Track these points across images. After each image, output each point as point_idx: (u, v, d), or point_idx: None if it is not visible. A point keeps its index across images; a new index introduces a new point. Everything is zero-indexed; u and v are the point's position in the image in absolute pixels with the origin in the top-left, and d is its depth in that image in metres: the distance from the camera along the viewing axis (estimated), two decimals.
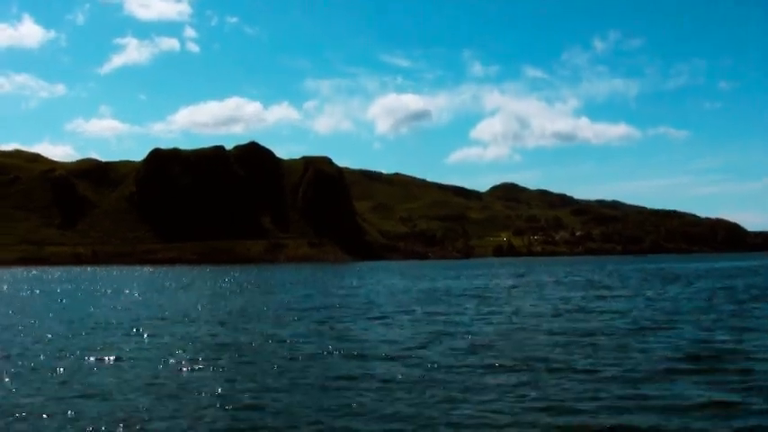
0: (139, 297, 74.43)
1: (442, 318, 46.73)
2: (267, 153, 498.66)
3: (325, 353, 31.80)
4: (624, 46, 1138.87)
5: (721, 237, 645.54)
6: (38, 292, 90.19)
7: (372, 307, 56.11)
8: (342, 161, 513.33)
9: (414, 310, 52.50)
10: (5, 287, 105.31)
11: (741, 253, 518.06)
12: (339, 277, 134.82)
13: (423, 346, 33.40)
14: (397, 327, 41.91)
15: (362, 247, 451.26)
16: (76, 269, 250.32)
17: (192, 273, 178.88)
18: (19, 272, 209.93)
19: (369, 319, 46.78)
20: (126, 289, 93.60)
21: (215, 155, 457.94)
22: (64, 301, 69.37)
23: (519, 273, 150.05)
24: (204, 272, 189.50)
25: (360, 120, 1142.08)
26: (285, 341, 35.71)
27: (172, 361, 30.28)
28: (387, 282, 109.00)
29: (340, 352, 31.84)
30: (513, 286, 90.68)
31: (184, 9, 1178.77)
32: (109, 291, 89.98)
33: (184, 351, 32.99)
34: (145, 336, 38.60)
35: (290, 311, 52.75)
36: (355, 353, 31.56)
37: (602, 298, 64.35)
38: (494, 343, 34.35)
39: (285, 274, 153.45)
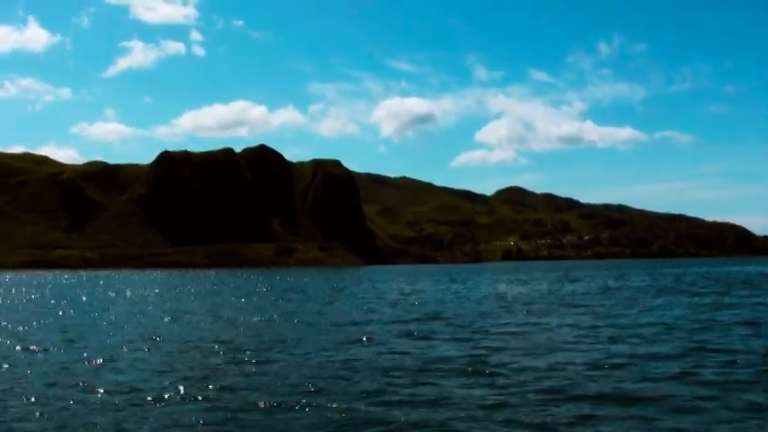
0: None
1: (623, 331, 38.17)
2: (276, 156, 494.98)
3: None
4: (628, 50, 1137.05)
5: (730, 240, 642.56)
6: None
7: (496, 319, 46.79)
8: (347, 165, 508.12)
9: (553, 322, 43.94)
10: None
11: (752, 257, 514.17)
12: (374, 282, 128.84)
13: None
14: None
15: (372, 251, 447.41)
16: (91, 273, 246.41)
17: (219, 277, 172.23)
18: (42, 276, 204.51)
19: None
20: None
21: (224, 158, 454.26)
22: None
23: (565, 277, 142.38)
24: (230, 276, 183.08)
25: (365, 123, 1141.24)
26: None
27: None
28: (432, 288, 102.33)
29: None
30: (587, 292, 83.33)
31: (190, 12, 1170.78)
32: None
33: None
34: None
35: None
36: None
37: (726, 306, 55.23)
38: None
39: (315, 279, 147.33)
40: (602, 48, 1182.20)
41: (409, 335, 37.00)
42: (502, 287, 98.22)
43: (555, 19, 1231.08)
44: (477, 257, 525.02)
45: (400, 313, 51.69)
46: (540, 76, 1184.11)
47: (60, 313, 55.15)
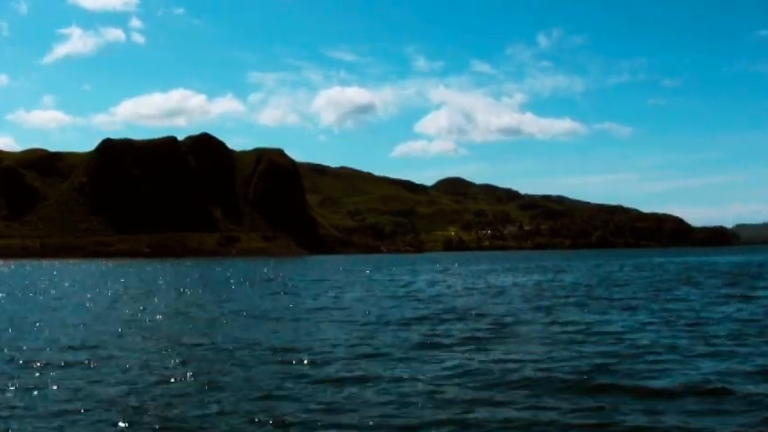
0: None
1: None
2: (219, 144, 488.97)
3: None
4: (567, 42, 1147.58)
5: (667, 232, 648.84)
6: None
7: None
8: (287, 154, 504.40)
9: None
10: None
11: (689, 248, 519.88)
12: (348, 272, 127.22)
13: None
14: None
15: (316, 241, 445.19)
16: (36, 263, 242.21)
17: (179, 268, 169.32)
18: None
19: None
20: None
21: (167, 146, 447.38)
22: None
23: (540, 267, 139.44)
24: (191, 267, 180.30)
25: (305, 113, 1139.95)
26: None
27: None
28: (417, 279, 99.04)
29: None
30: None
31: None
32: None
33: None
34: None
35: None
36: None
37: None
38: None
39: (282, 269, 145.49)
40: (542, 40, 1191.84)
41: (473, 338, 32.62)
42: (492, 278, 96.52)
43: (495, 10, 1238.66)
44: (419, 247, 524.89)
45: (426, 308, 48.31)
46: (480, 67, 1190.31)
47: None
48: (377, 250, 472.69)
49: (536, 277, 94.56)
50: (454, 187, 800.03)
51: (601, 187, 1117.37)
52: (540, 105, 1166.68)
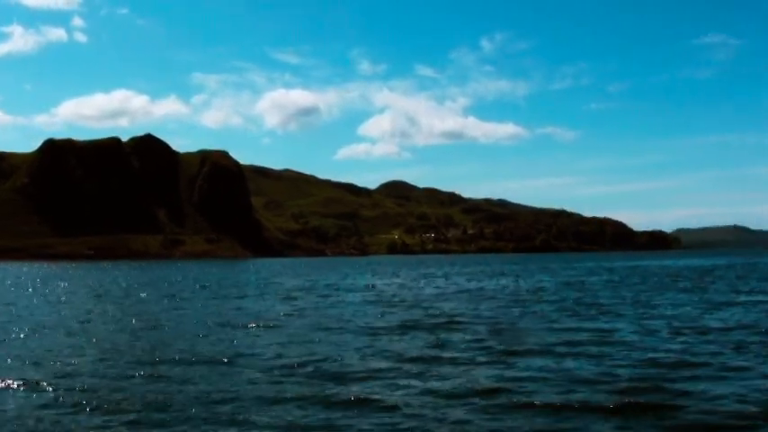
0: None
1: None
2: (163, 146, 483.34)
3: None
4: (510, 47, 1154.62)
5: (610, 235, 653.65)
6: None
7: None
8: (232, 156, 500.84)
9: None
10: None
11: (632, 252, 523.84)
12: (300, 276, 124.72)
13: None
14: None
15: (261, 244, 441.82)
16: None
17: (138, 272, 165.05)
18: None
19: None
20: None
21: (111, 147, 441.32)
22: None
23: (499, 272, 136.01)
24: (146, 270, 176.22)
25: (248, 115, 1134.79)
26: None
27: None
28: (384, 281, 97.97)
29: None
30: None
31: None
32: None
33: None
34: None
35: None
36: None
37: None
38: None
39: (242, 273, 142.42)
40: (485, 44, 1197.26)
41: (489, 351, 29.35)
42: (456, 282, 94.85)
43: (438, 14, 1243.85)
44: (363, 251, 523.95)
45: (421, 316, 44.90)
46: (424, 71, 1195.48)
47: None
48: (321, 253, 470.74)
49: (503, 281, 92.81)
50: (397, 190, 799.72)
51: (543, 191, 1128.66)
52: (484, 109, 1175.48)
